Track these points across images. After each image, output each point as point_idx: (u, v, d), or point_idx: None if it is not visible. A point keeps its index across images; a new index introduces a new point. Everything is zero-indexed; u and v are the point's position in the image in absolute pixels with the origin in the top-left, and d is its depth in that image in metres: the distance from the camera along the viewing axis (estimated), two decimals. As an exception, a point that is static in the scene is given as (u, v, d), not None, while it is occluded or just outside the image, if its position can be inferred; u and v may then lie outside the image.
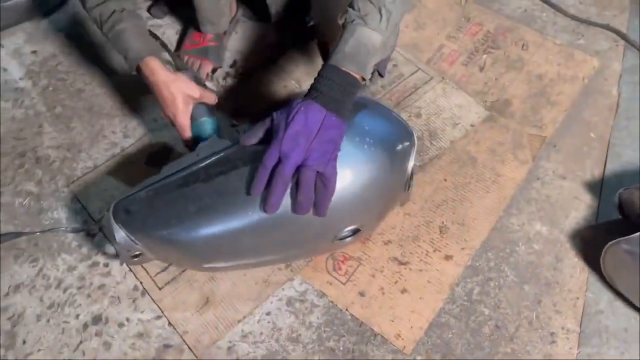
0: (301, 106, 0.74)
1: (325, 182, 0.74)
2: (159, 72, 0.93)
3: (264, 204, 0.76)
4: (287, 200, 0.77)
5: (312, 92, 0.76)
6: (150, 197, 0.84)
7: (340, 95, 0.76)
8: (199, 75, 1.05)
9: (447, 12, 1.38)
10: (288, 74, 1.25)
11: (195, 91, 0.95)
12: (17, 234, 1.02)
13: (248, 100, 1.21)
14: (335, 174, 0.75)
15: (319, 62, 1.27)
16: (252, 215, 0.79)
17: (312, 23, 1.26)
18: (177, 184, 0.84)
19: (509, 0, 1.40)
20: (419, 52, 1.29)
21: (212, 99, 0.98)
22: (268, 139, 0.76)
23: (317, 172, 0.73)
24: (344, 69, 0.77)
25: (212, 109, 1.00)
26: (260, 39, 1.32)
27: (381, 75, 1.20)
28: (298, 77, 1.24)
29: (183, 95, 0.94)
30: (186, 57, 1.23)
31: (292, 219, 0.79)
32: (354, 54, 0.77)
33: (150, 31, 1.02)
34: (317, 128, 0.73)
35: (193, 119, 0.96)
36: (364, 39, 0.78)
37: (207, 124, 0.97)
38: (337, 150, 0.75)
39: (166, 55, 1.02)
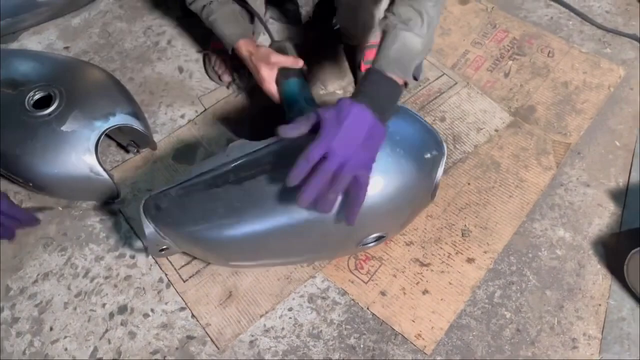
0: (353, 108, 0.72)
1: (358, 188, 0.73)
2: (244, 51, 1.04)
3: (299, 196, 0.73)
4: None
5: (361, 96, 0.74)
6: (180, 195, 0.86)
7: (385, 102, 0.76)
8: (285, 44, 1.09)
9: (472, 18, 1.39)
10: (313, 75, 1.26)
11: (273, 58, 1.01)
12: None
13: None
14: (368, 182, 0.74)
15: (344, 65, 1.28)
16: (279, 219, 0.81)
17: (338, 27, 1.28)
18: (207, 184, 0.85)
19: (535, 8, 1.40)
20: (443, 58, 1.30)
21: (292, 62, 1.02)
22: (302, 140, 0.75)
23: (353, 177, 0.72)
24: (388, 74, 0.77)
25: (298, 72, 1.03)
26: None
27: (416, 79, 1.22)
28: (323, 79, 1.26)
29: (264, 65, 1.01)
30: (214, 57, 1.25)
31: (318, 225, 0.80)
32: (398, 59, 0.78)
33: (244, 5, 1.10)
34: (365, 133, 0.72)
35: (279, 83, 1.01)
36: (408, 44, 0.80)
37: (291, 85, 1.01)
38: (374, 160, 0.74)
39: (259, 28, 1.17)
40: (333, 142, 0.71)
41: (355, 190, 0.73)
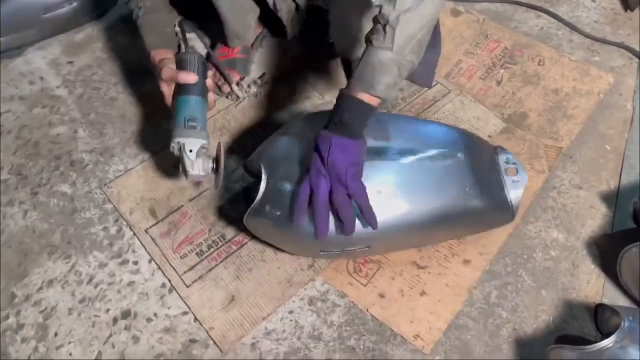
0: (319, 141, 0.81)
1: (356, 198, 0.81)
2: (156, 61, 1.03)
3: (315, 233, 0.82)
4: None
5: (330, 125, 0.82)
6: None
7: (351, 120, 0.81)
8: (189, 56, 1.03)
9: (464, 29, 1.43)
10: (311, 85, 1.30)
11: (164, 73, 0.99)
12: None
13: (273, 109, 1.26)
14: (362, 187, 0.81)
15: (342, 74, 1.32)
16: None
17: (332, 40, 1.30)
18: None
19: (525, 19, 1.45)
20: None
21: (182, 78, 0.98)
22: None
23: (348, 194, 0.80)
24: (352, 93, 0.82)
25: (197, 89, 1.00)
26: (285, 53, 1.37)
27: (428, 87, 1.26)
28: (322, 89, 1.29)
29: (161, 80, 1.01)
30: (213, 68, 1.28)
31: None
32: (361, 74, 0.82)
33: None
34: (336, 157, 0.79)
35: (173, 98, 1.01)
36: (371, 59, 0.82)
37: (178, 102, 0.99)
38: (355, 167, 0.81)
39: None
40: (312, 178, 0.81)
41: (358, 203, 0.82)
